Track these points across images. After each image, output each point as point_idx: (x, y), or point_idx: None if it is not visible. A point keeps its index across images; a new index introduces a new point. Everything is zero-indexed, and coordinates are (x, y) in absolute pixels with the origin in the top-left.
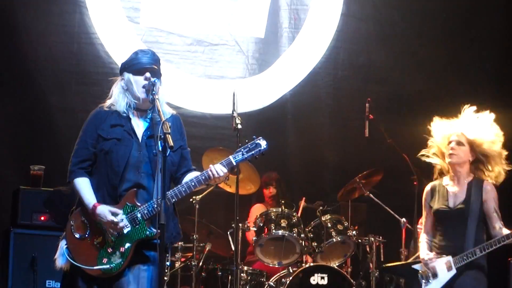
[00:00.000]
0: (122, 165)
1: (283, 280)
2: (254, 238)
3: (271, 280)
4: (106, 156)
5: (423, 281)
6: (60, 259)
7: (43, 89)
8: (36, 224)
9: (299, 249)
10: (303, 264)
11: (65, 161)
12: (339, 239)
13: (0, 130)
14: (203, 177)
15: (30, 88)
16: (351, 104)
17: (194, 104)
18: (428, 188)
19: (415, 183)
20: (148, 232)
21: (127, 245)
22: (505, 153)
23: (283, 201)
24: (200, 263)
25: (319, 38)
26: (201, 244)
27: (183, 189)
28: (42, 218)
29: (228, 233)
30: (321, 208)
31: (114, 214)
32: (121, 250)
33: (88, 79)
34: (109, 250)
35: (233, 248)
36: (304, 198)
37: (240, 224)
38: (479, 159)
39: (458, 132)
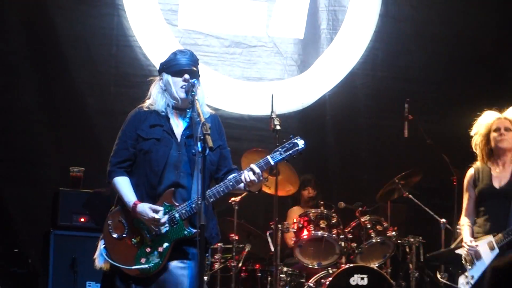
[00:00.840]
0: (161, 164)
1: (322, 281)
2: (294, 239)
3: (310, 281)
4: (145, 156)
5: (468, 265)
6: (99, 259)
7: (82, 92)
8: (76, 226)
9: (338, 250)
10: (343, 265)
11: (104, 163)
12: (379, 240)
13: (40, 133)
14: (240, 177)
15: (69, 91)
16: (390, 104)
17: (232, 106)
18: (471, 171)
19: (454, 183)
20: (186, 232)
21: (165, 244)
22: None
23: (322, 202)
24: (240, 264)
25: (357, 39)
26: (241, 245)
27: (221, 189)
28: (82, 219)
29: (268, 234)
30: (360, 209)
31: (155, 211)
32: (159, 249)
33: (127, 81)
34: (147, 249)
35: (272, 249)
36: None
37: (280, 225)
38: None
39: (504, 119)
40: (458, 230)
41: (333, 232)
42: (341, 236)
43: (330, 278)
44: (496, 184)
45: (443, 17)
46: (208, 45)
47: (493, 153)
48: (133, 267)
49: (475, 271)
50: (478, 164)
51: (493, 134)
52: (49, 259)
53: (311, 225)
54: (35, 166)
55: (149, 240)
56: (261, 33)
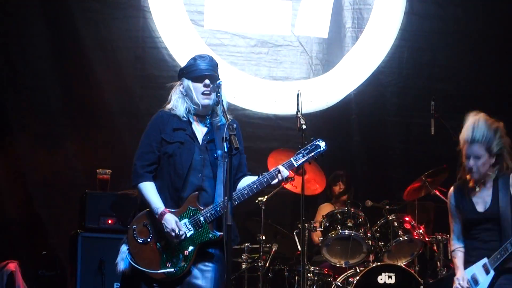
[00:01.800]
0: (185, 168)
1: (350, 279)
2: (321, 238)
3: (338, 280)
4: (169, 159)
5: None
6: (122, 264)
7: (108, 94)
8: (104, 228)
9: (366, 249)
10: (370, 264)
11: (131, 165)
12: (406, 238)
13: (67, 135)
14: (265, 179)
15: (95, 93)
16: (416, 102)
17: (258, 106)
18: (452, 190)
19: None
20: (211, 235)
21: (190, 248)
22: None
23: (349, 201)
24: (267, 264)
25: (383, 37)
26: (268, 245)
27: (246, 192)
28: (109, 221)
29: (295, 233)
30: (387, 207)
31: (179, 228)
32: (184, 253)
33: (153, 83)
34: (173, 254)
35: (299, 249)
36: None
37: (306, 225)
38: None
39: (473, 143)
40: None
41: (360, 231)
42: (369, 234)
43: (358, 277)
44: (481, 208)
45: (468, 13)
46: (234, 45)
47: None
48: (159, 271)
49: None
50: (459, 183)
51: (465, 161)
52: (77, 261)
53: (338, 224)
54: (62, 169)
55: (174, 244)
56: (286, 32)
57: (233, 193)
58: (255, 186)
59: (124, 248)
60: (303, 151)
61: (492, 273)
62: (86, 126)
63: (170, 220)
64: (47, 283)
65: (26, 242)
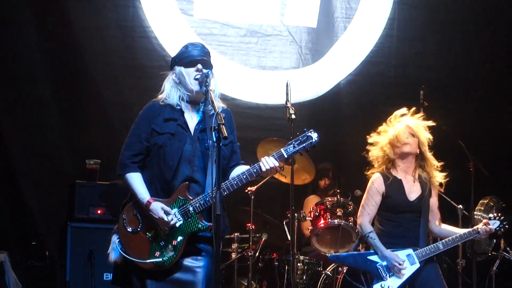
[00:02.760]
0: (175, 159)
1: (340, 269)
2: (310, 227)
3: (327, 269)
4: (159, 150)
5: (384, 274)
6: (113, 253)
7: (97, 84)
8: (93, 218)
9: (355, 238)
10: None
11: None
12: None
13: (56, 125)
14: (255, 170)
15: (84, 83)
16: (405, 91)
17: (248, 95)
18: (378, 176)
19: (471, 169)
20: (200, 225)
21: (179, 238)
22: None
23: (338, 190)
24: (257, 254)
25: (372, 27)
26: (257, 235)
27: (235, 182)
28: (99, 211)
29: (284, 223)
30: None
31: (166, 212)
32: (173, 243)
33: (143, 72)
34: (162, 243)
35: (289, 238)
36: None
37: (296, 214)
38: (421, 153)
39: (407, 126)
40: (475, 216)
41: (350, 220)
42: None
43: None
44: (411, 197)
45: (458, 2)
46: (224, 35)
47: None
48: (148, 260)
49: (393, 283)
50: (383, 171)
51: (400, 139)
52: (66, 252)
53: (327, 213)
54: (51, 159)
55: (164, 234)
56: (276, 21)
57: (223, 183)
58: (244, 176)
59: (115, 238)
60: (294, 142)
61: (417, 265)
62: (76, 115)
63: (156, 209)
64: (37, 273)
65: (15, 232)
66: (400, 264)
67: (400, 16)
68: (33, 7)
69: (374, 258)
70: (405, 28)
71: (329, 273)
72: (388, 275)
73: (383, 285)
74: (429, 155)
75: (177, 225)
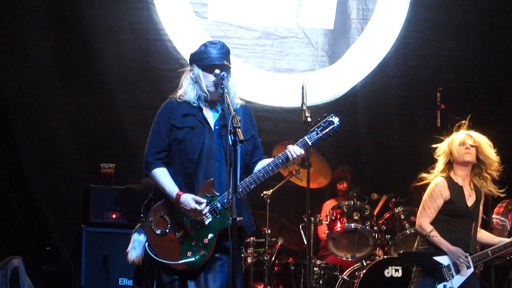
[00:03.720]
0: (196, 153)
1: (356, 273)
2: (327, 231)
3: (344, 273)
4: (180, 145)
5: (448, 274)
6: (133, 252)
7: (112, 87)
8: (108, 222)
9: (372, 242)
10: (377, 257)
11: (135, 159)
12: (413, 231)
13: (70, 129)
14: (280, 160)
15: (99, 87)
16: (422, 94)
17: (263, 98)
18: (442, 180)
19: None
20: (230, 221)
21: (210, 235)
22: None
23: (355, 194)
24: (273, 258)
25: (388, 28)
26: (273, 239)
27: (261, 175)
28: (114, 216)
29: (300, 227)
30: (393, 200)
31: (198, 202)
32: (204, 241)
33: (157, 76)
34: (193, 242)
35: (305, 242)
36: (385, 197)
37: (312, 218)
38: (480, 163)
39: (469, 136)
40: (493, 220)
41: (367, 224)
42: (375, 227)
43: (364, 271)
44: (469, 203)
45: (475, 3)
46: (238, 37)
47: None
48: (180, 261)
49: (455, 283)
50: (445, 176)
51: (462, 148)
52: (81, 257)
53: (344, 217)
54: (65, 163)
55: (194, 233)
56: (291, 23)
57: (249, 177)
58: (270, 168)
59: (136, 236)
60: (316, 129)
61: (472, 269)
62: (90, 119)
63: (187, 200)
64: (51, 278)
65: (29, 237)
66: (466, 257)
67: (417, 17)
68: (46, 11)
69: (439, 259)
70: (422, 29)
71: (346, 277)
72: (450, 276)
73: (445, 286)
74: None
75: (207, 222)
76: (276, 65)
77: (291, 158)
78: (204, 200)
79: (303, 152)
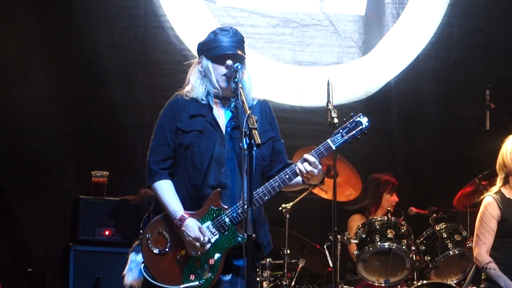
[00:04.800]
0: (205, 161)
1: None
2: (356, 252)
3: None
4: (186, 151)
5: None
6: (130, 275)
7: (104, 82)
8: (100, 240)
9: (409, 264)
10: (415, 282)
11: (132, 166)
12: (457, 252)
13: (56, 131)
14: (293, 171)
15: (89, 82)
16: (468, 91)
17: (282, 96)
18: (491, 200)
19: None
20: (240, 238)
21: (217, 255)
22: None
23: (389, 208)
24: (293, 283)
25: (429, 14)
26: (293, 261)
27: (276, 184)
28: (107, 232)
29: (325, 246)
30: (434, 215)
31: (202, 234)
32: (210, 262)
33: (157, 69)
34: (197, 264)
35: (331, 265)
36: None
37: (339, 236)
38: None
39: None
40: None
41: (403, 243)
42: (413, 248)
43: None
44: None
45: None
46: (252, 25)
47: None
48: (182, 286)
49: None
50: (494, 194)
51: None
52: (68, 280)
53: (376, 235)
54: (50, 171)
55: (196, 253)
56: (314, 9)
57: (262, 187)
58: (287, 176)
59: (133, 257)
60: (341, 130)
61: None
62: (78, 120)
63: (192, 227)
64: None
65: (8, 257)
66: None
67: (462, 2)
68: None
69: None
70: (468, 16)
71: None
72: None
73: None
74: None
75: (213, 240)
76: (296, 57)
77: (299, 174)
78: (208, 237)
79: (318, 166)
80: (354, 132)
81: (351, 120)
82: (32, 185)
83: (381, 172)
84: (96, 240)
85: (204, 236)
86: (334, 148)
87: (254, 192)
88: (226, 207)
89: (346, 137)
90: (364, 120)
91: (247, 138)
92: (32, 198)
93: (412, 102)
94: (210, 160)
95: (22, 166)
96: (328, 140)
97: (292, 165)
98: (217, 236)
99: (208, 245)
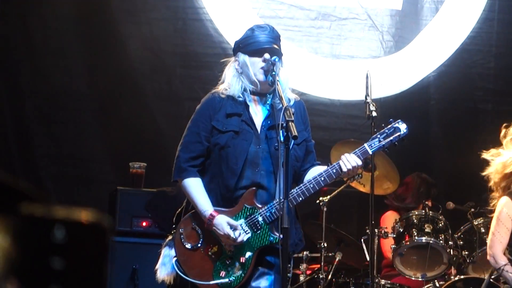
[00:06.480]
0: (240, 162)
1: None
2: (393, 246)
3: None
4: (221, 151)
5: None
6: (163, 270)
7: (142, 75)
8: (137, 231)
9: (446, 259)
10: (452, 277)
11: (169, 158)
12: None
13: (94, 123)
14: (334, 170)
15: (126, 74)
16: (507, 86)
17: (319, 89)
18: (508, 200)
19: None
20: (272, 238)
21: (248, 254)
22: None
23: (427, 202)
24: (329, 276)
25: (468, 8)
26: (330, 254)
27: (311, 186)
28: (144, 223)
29: (362, 240)
30: (472, 210)
31: (233, 227)
32: (241, 260)
33: (196, 61)
34: (228, 261)
35: (368, 258)
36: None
37: (376, 230)
38: None
39: None
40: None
41: (440, 238)
42: (450, 242)
43: None
44: None
45: None
46: (291, 18)
47: None
48: (212, 282)
49: None
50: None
51: None
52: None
53: (414, 229)
54: (87, 162)
55: (229, 250)
56: (352, 3)
57: (296, 188)
58: (322, 178)
59: (167, 251)
60: (379, 135)
61: None
62: (116, 112)
63: (221, 224)
64: None
65: None
66: None
67: None
68: None
69: None
70: (509, 9)
71: None
72: None
73: None
74: None
75: (245, 238)
76: (334, 50)
77: (345, 169)
78: (239, 224)
79: (360, 163)
80: (392, 138)
81: (390, 126)
82: (70, 176)
83: (423, 171)
84: (133, 231)
85: (235, 229)
86: (371, 153)
87: (296, 187)
88: (260, 206)
89: (383, 143)
90: (403, 127)
91: (283, 131)
92: (70, 189)
93: (451, 97)
94: (245, 161)
95: (60, 156)
96: (365, 145)
97: (328, 168)
98: (249, 235)
99: (243, 236)
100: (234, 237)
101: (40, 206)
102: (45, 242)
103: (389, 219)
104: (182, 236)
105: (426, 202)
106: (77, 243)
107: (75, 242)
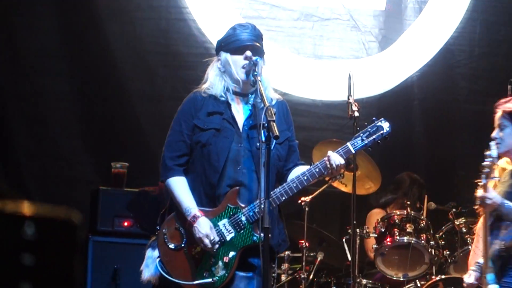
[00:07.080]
0: (222, 159)
1: None
2: (375, 246)
3: None
4: (203, 149)
5: None
6: (147, 271)
7: (125, 74)
8: (119, 231)
9: (428, 259)
10: (433, 277)
11: (151, 157)
12: None
13: (76, 122)
14: (317, 169)
15: (109, 74)
16: (490, 86)
17: (302, 90)
18: None
19: None
20: (255, 238)
21: (232, 253)
22: None
23: (408, 202)
24: (311, 276)
25: (451, 9)
26: (312, 254)
27: (294, 185)
28: (126, 223)
29: (344, 240)
30: (454, 210)
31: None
32: (224, 260)
33: (179, 61)
34: (211, 261)
35: (349, 258)
36: (426, 196)
37: (358, 230)
38: None
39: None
40: None
41: (422, 238)
42: (431, 242)
43: None
44: None
45: None
46: (273, 18)
47: None
48: (195, 282)
49: None
50: None
51: None
52: (86, 271)
53: (395, 229)
54: (69, 161)
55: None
56: (335, 3)
57: (280, 187)
58: (305, 178)
59: (150, 253)
60: (362, 134)
61: None
62: (99, 112)
63: (204, 224)
64: None
65: None
66: None
67: None
68: None
69: None
70: (492, 10)
71: None
72: None
73: None
74: None
75: (228, 238)
76: (316, 51)
77: (329, 168)
78: (217, 238)
79: (343, 162)
80: (374, 136)
81: (372, 125)
82: (52, 176)
83: (405, 171)
84: (115, 231)
85: (214, 236)
86: (353, 151)
87: (271, 191)
88: (243, 205)
89: (366, 141)
90: (386, 125)
91: (265, 131)
92: (52, 189)
93: (434, 97)
94: (226, 159)
95: (42, 156)
96: (348, 144)
97: (311, 167)
98: (233, 234)
99: (216, 246)
100: (212, 240)
101: (10, 203)
102: (15, 239)
103: (376, 216)
104: (165, 237)
105: (408, 202)
106: (47, 240)
107: (45, 238)
